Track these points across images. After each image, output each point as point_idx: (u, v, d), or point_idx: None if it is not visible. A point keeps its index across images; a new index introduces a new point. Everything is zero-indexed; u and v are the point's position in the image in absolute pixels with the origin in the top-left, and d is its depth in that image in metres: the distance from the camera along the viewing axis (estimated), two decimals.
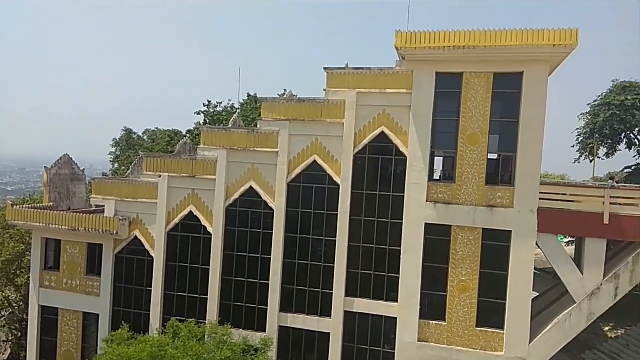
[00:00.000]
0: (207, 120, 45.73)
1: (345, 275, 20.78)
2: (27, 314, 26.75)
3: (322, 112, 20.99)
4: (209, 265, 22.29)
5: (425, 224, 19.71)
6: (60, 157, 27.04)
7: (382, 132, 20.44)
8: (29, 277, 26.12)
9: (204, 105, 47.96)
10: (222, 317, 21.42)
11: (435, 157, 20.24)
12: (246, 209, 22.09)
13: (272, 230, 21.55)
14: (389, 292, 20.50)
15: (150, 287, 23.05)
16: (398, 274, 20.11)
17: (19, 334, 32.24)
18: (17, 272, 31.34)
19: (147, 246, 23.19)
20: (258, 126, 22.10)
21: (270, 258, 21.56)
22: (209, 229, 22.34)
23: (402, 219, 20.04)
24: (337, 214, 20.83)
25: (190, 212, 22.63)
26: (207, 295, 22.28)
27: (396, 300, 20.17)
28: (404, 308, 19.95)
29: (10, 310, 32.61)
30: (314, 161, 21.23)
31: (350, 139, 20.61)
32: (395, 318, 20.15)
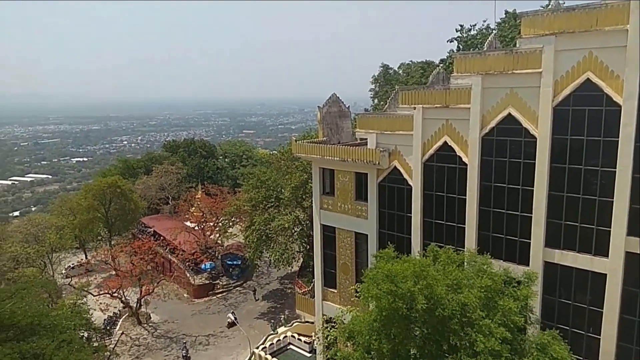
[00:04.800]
0: (461, 47, 43.98)
1: (629, 211, 17.85)
2: (312, 231, 32.33)
3: (599, 20, 17.59)
4: (465, 195, 22.29)
5: None
6: (330, 97, 30.58)
7: None
8: (312, 200, 31.28)
9: (457, 31, 46.04)
10: (481, 246, 21.40)
11: None
12: (504, 138, 20.87)
13: (534, 160, 19.90)
14: None
15: (410, 213, 24.60)
16: None
17: (308, 247, 39.51)
18: (303, 196, 38.08)
19: (405, 176, 24.60)
20: (517, 46, 20.11)
21: (532, 190, 20.14)
22: (465, 159, 22.10)
23: None
24: (617, 141, 17.74)
25: (445, 142, 22.73)
26: (464, 224, 22.49)
27: None
28: None
29: (301, 227, 40.08)
30: (588, 79, 18.28)
31: (638, 49, 16.80)
32: None
